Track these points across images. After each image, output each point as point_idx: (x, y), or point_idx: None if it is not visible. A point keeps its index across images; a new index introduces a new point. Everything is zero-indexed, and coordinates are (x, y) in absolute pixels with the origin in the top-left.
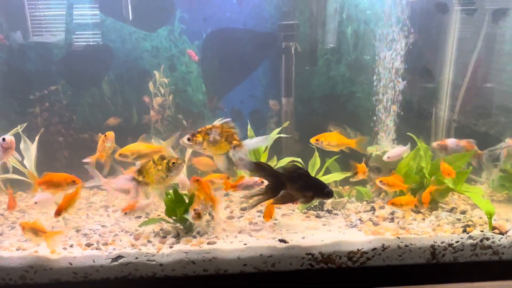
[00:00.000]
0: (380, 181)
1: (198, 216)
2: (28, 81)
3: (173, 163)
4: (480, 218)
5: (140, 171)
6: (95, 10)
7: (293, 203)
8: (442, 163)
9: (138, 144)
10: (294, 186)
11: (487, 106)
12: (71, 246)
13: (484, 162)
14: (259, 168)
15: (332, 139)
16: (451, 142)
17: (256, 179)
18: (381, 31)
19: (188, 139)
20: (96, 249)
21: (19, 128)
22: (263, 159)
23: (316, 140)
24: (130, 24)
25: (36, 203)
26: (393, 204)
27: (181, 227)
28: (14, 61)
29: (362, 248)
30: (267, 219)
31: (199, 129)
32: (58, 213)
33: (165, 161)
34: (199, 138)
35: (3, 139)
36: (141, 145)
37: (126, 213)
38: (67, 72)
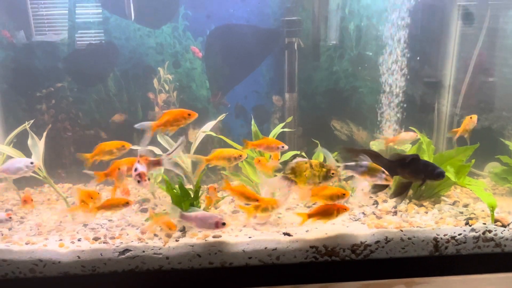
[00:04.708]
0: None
1: None
2: (35, 78)
3: (333, 173)
4: (483, 211)
5: (293, 170)
6: (99, 8)
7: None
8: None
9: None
10: (405, 171)
11: (490, 100)
12: (79, 240)
13: None
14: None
15: None
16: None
17: None
18: (383, 26)
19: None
20: (104, 243)
21: (26, 125)
22: (267, 154)
23: None
24: (135, 21)
25: None
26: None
27: None
28: (21, 58)
29: (366, 241)
30: None
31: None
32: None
33: (324, 169)
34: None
35: (135, 169)
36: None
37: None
38: (73, 69)
